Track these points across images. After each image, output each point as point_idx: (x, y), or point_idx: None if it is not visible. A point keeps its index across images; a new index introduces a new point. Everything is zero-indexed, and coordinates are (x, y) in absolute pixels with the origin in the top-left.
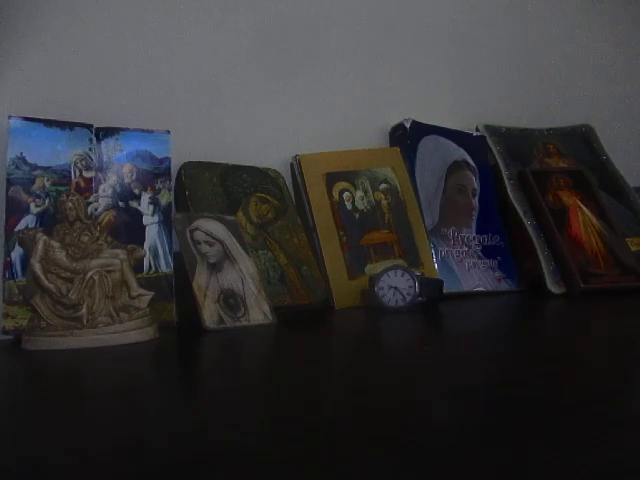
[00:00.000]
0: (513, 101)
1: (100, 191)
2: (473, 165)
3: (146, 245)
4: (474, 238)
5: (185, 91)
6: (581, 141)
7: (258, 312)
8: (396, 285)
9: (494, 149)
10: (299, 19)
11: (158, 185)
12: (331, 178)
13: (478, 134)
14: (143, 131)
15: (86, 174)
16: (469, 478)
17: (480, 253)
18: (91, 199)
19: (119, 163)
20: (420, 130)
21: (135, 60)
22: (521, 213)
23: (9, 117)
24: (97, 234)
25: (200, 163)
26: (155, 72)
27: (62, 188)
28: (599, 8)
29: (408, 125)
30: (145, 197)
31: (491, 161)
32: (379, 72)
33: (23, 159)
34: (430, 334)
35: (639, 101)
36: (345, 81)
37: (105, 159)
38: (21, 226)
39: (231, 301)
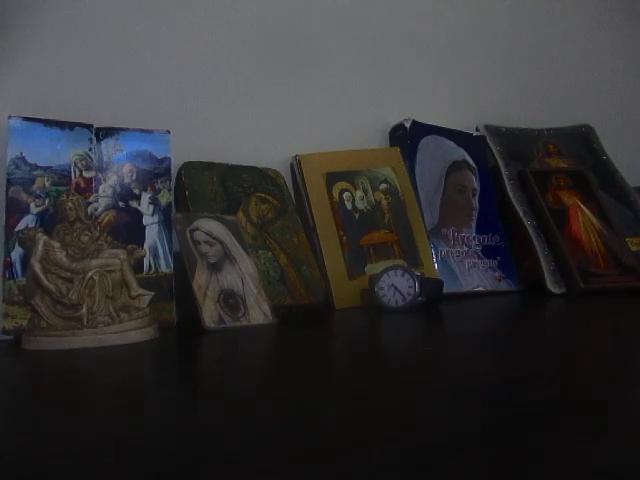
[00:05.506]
0: (513, 101)
1: (100, 191)
2: (473, 165)
3: (146, 245)
4: (474, 238)
5: (185, 91)
6: (581, 141)
7: (258, 312)
8: (396, 285)
9: (494, 149)
10: (299, 19)
11: (158, 185)
12: (331, 178)
13: (478, 134)
14: (143, 131)
15: (86, 174)
16: (469, 478)
17: (480, 253)
18: (91, 199)
19: (119, 163)
20: (420, 130)
21: (135, 60)
22: (521, 213)
23: (9, 117)
24: (97, 234)
25: (200, 163)
26: (155, 72)
27: (62, 188)
28: (599, 8)
29: (408, 125)
30: (145, 197)
31: (491, 161)
32: (379, 72)
33: (23, 159)
34: (430, 334)
35: (639, 101)
36: (345, 81)
37: (105, 159)
38: (21, 226)
39: (231, 301)
